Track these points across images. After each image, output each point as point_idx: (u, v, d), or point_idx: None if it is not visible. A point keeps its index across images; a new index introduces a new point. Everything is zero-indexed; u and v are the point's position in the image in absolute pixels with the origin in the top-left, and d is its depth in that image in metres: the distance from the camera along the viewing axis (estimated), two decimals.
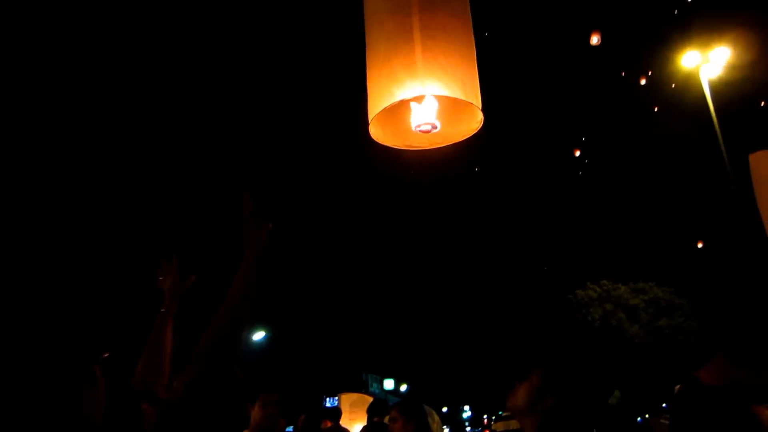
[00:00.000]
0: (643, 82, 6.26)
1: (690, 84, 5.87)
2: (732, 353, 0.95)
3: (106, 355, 0.88)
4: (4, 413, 0.60)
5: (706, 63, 5.77)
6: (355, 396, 4.39)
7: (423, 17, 0.98)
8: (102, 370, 0.71)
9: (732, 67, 5.85)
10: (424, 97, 0.99)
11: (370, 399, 3.50)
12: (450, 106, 1.03)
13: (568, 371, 1.23)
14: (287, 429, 4.04)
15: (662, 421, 4.13)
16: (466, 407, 34.62)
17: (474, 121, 1.04)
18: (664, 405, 7.93)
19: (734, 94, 6.25)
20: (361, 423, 3.13)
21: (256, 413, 1.63)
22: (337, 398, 4.84)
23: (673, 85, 6.14)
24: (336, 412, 3.53)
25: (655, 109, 7.20)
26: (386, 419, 2.28)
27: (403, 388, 28.39)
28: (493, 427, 4.87)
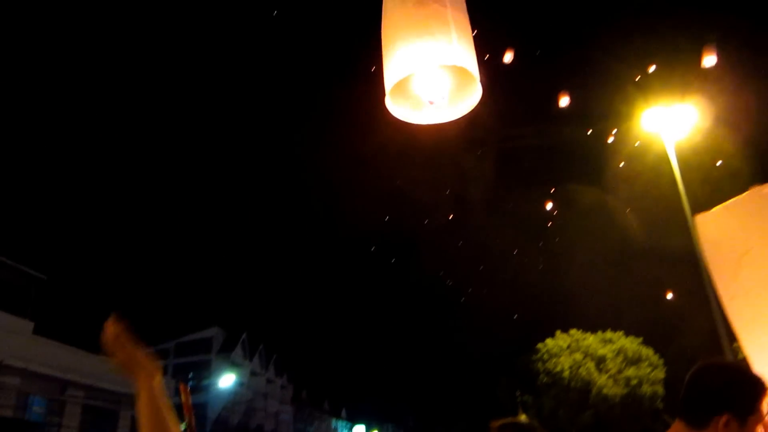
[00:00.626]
0: (610, 140, 6.60)
1: (653, 143, 6.18)
2: (689, 417, 1.00)
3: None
4: None
5: (669, 122, 6.08)
6: None
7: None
8: None
9: (695, 126, 6.16)
10: (436, 72, 1.15)
11: None
12: (454, 83, 1.18)
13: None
14: None
15: None
16: None
17: (472, 97, 1.18)
18: None
19: (697, 151, 6.57)
20: None
21: None
22: None
23: (637, 143, 6.47)
24: None
25: (621, 165, 7.53)
26: None
27: None
28: None
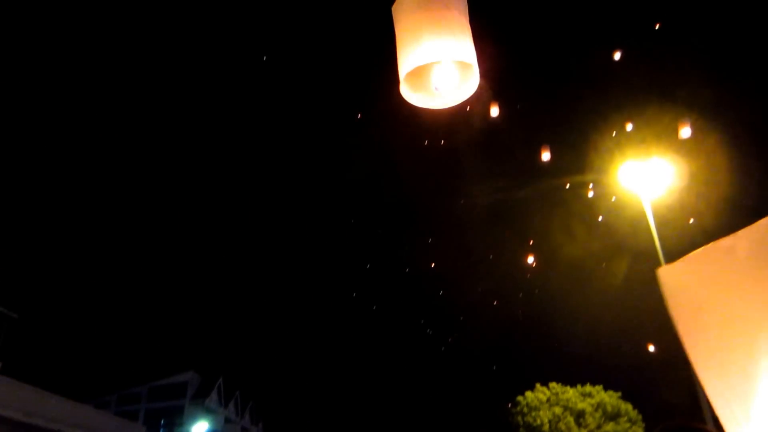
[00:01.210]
0: (590, 194, 6.72)
1: (631, 197, 6.29)
2: None
3: None
4: None
5: (646, 177, 6.21)
6: None
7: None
8: None
9: (671, 182, 6.29)
10: (445, 64, 1.42)
11: None
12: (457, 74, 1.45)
13: None
14: None
15: None
16: None
17: (471, 86, 1.45)
18: None
19: (672, 208, 6.69)
20: None
21: None
22: None
23: (614, 198, 6.59)
24: None
25: (600, 218, 7.64)
26: None
27: None
28: None
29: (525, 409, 14.38)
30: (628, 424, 13.59)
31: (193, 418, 22.47)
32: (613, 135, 6.85)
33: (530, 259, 9.62)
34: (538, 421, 14.00)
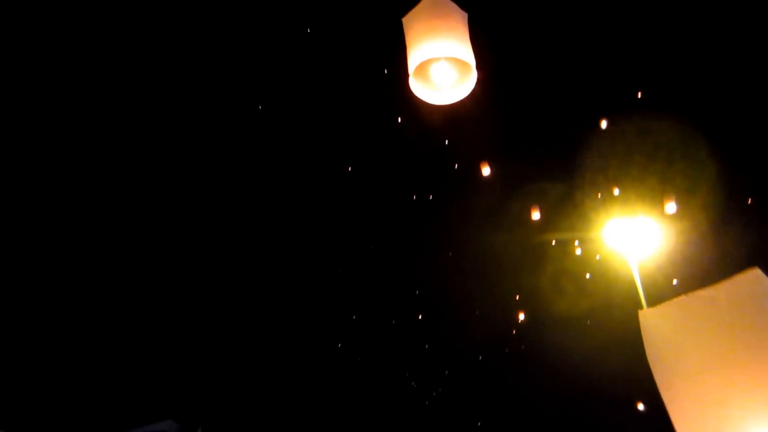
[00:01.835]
0: (578, 252, 6.83)
1: (616, 255, 6.40)
2: None
3: None
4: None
5: (632, 236, 6.32)
6: None
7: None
8: None
9: (657, 240, 6.40)
10: (447, 62, 1.74)
11: None
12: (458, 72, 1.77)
13: None
14: None
15: None
16: None
17: (469, 84, 1.77)
18: None
19: (660, 266, 6.78)
20: None
21: None
22: None
23: (598, 256, 6.69)
24: None
25: (587, 276, 7.72)
26: None
27: None
28: None
29: None
30: None
31: None
32: (598, 196, 7.03)
33: (514, 314, 9.65)
34: None
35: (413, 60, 1.71)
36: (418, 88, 1.79)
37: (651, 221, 6.40)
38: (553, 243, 8.30)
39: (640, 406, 9.87)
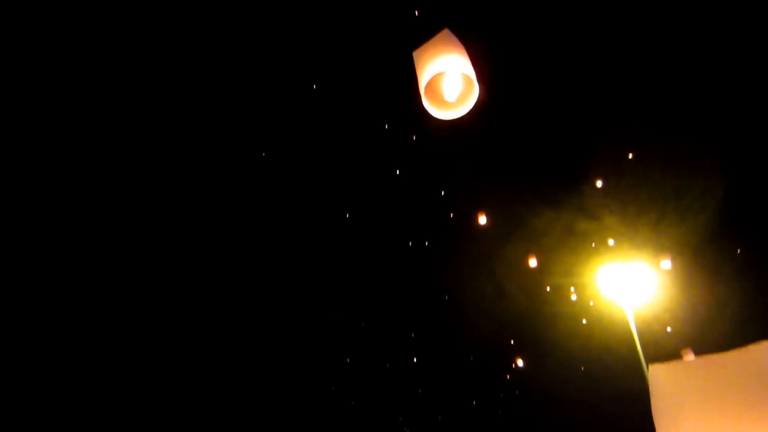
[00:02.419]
0: (573, 297, 6.87)
1: (611, 302, 6.44)
2: None
3: None
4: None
5: (627, 282, 6.36)
6: None
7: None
8: None
9: (652, 288, 6.44)
10: (454, 77, 2.03)
11: None
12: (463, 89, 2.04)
13: None
14: None
15: None
16: None
17: (471, 100, 2.04)
18: None
19: (655, 313, 6.81)
20: None
21: None
22: None
23: (592, 303, 6.73)
24: None
25: (585, 322, 7.75)
26: None
27: None
28: None
29: None
30: None
31: None
32: (593, 245, 7.12)
33: (509, 359, 9.63)
34: None
35: (422, 79, 1.98)
36: (429, 106, 2.05)
37: (646, 268, 6.45)
38: (548, 289, 8.35)
39: None
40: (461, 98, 2.07)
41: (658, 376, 1.58)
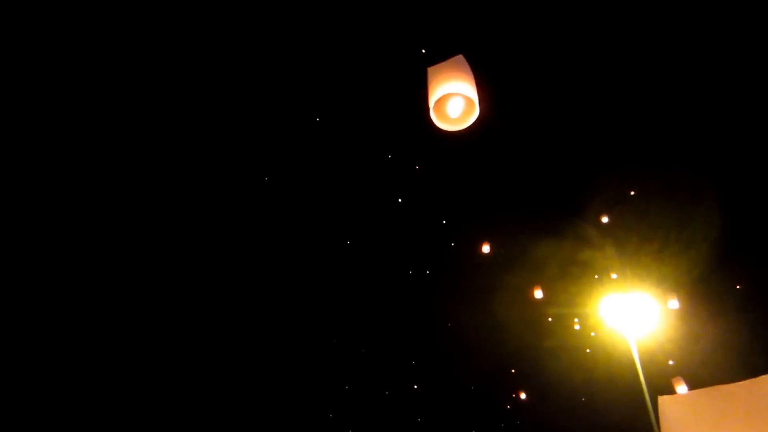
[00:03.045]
0: (577, 327, 6.88)
1: (614, 332, 6.43)
2: None
3: None
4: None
5: (630, 312, 6.36)
6: None
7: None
8: None
9: (655, 318, 6.45)
10: (458, 97, 2.31)
11: None
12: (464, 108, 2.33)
13: None
14: None
15: None
16: None
17: (471, 117, 2.30)
18: None
19: (659, 344, 6.79)
20: None
21: None
22: None
23: (593, 334, 6.73)
24: None
25: (588, 351, 7.72)
26: None
27: None
28: None
29: None
30: None
31: None
32: (596, 277, 7.13)
33: (511, 387, 9.57)
34: None
35: (432, 96, 2.26)
36: (436, 121, 2.30)
37: (648, 299, 6.45)
38: (550, 319, 8.34)
39: None
40: (463, 116, 2.35)
41: (668, 407, 1.60)
